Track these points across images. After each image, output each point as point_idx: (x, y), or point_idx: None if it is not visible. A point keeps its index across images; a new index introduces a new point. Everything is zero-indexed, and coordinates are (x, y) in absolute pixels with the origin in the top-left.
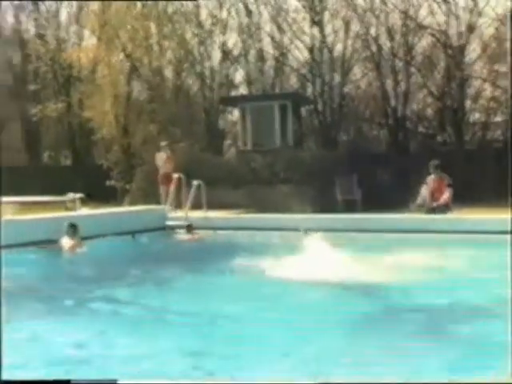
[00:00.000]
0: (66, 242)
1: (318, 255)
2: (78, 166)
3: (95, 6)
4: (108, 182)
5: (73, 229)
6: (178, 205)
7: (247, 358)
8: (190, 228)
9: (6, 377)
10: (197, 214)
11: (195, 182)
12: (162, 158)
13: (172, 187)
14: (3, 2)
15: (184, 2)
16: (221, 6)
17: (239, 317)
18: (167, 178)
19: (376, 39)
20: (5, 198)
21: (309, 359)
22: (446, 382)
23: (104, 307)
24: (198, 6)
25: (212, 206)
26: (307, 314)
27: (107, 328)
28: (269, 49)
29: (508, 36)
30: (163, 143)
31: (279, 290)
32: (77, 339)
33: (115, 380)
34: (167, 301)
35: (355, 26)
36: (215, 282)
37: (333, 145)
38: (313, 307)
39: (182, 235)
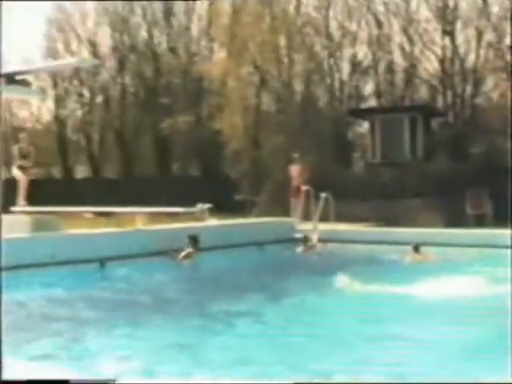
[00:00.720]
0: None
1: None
2: (206, 177)
3: (225, 19)
4: (237, 196)
5: (192, 240)
6: (307, 217)
7: None
8: (306, 240)
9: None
10: (325, 227)
11: (323, 195)
12: (295, 170)
13: (301, 199)
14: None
15: (312, 15)
16: (350, 18)
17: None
18: (298, 190)
19: (510, 48)
20: (135, 209)
21: None
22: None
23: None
24: (327, 18)
25: (340, 218)
26: None
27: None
28: (399, 60)
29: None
30: (296, 155)
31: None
32: None
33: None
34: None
35: (488, 35)
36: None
37: (464, 158)
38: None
39: (301, 247)
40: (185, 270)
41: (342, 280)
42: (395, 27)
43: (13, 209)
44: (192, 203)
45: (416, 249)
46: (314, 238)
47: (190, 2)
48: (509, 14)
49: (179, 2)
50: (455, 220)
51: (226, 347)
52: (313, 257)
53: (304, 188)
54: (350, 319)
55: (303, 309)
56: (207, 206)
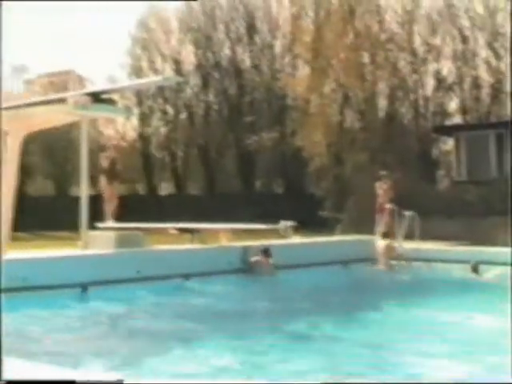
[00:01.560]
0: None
1: None
2: (290, 194)
3: (308, 36)
4: (321, 213)
5: (264, 252)
6: (392, 235)
7: None
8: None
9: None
10: (410, 245)
11: (408, 213)
12: (381, 187)
13: (384, 217)
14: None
15: (396, 30)
16: (435, 33)
17: None
18: (382, 208)
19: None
20: (219, 225)
21: None
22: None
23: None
24: (410, 33)
25: (425, 237)
26: None
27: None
28: (484, 75)
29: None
30: (383, 172)
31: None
32: None
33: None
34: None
35: None
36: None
37: None
38: None
39: (376, 266)
40: (265, 286)
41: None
42: (480, 41)
43: (98, 225)
44: (275, 220)
45: (475, 269)
46: (396, 255)
47: (274, 19)
48: None
49: (262, 19)
50: None
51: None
52: (395, 275)
53: (388, 206)
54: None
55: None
56: (290, 223)
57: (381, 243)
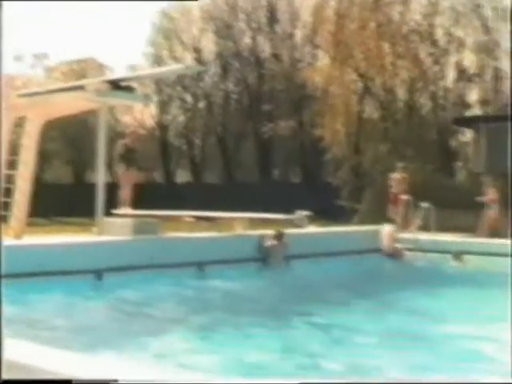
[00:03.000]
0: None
1: None
2: (307, 184)
3: (329, 26)
4: (338, 202)
5: (279, 236)
6: (406, 226)
7: None
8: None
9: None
10: (425, 236)
11: (424, 204)
12: (396, 179)
13: (400, 208)
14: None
15: (419, 21)
16: (457, 24)
17: None
18: (397, 199)
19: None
20: (235, 214)
21: None
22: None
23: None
24: (432, 25)
25: (441, 228)
26: None
27: None
28: (506, 67)
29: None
30: (400, 164)
31: None
32: None
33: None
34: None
35: None
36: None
37: None
38: None
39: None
40: (279, 275)
41: None
42: (503, 33)
43: (115, 211)
44: (292, 209)
45: (457, 257)
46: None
47: (295, 8)
48: None
49: (283, 8)
50: None
51: None
52: (403, 265)
53: (403, 197)
54: None
55: None
56: (306, 213)
57: (385, 230)
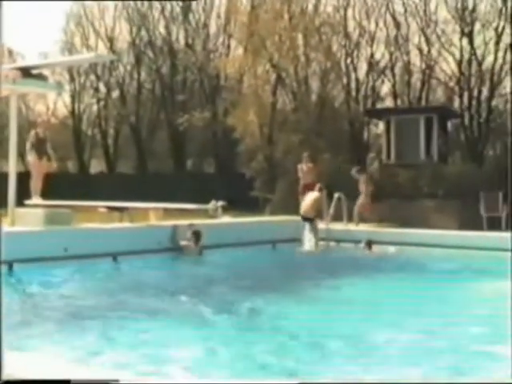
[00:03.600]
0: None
1: None
2: (221, 174)
3: (243, 17)
4: (251, 193)
5: (195, 235)
6: (319, 216)
7: None
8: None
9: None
10: (338, 227)
11: (336, 194)
12: (302, 169)
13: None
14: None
15: (331, 14)
16: (369, 18)
17: None
18: (307, 189)
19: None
20: (149, 204)
21: None
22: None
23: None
24: (345, 17)
25: (353, 218)
26: None
27: None
28: (416, 61)
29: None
30: (305, 154)
31: None
32: None
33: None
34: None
35: (507, 37)
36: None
37: (479, 160)
38: None
39: (302, 248)
40: (192, 265)
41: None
42: (413, 28)
43: (27, 202)
44: (206, 200)
45: (369, 245)
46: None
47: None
48: None
49: None
50: (469, 222)
51: None
52: (318, 256)
53: (318, 185)
54: None
55: None
56: (221, 202)
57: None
